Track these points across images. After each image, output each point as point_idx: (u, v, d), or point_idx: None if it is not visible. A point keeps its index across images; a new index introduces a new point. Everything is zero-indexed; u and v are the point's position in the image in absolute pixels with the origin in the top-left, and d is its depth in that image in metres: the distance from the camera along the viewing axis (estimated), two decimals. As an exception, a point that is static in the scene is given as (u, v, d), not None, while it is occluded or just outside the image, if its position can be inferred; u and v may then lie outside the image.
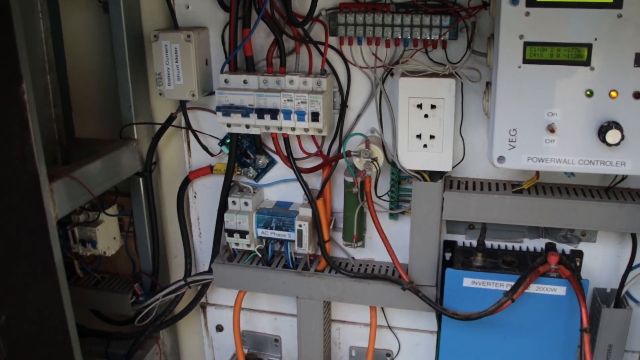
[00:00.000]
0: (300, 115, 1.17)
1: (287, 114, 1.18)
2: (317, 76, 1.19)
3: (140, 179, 1.37)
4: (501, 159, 1.06)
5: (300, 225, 1.27)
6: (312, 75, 1.19)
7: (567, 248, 1.28)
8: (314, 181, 1.33)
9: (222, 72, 1.23)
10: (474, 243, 1.31)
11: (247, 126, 1.23)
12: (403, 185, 1.27)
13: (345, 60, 1.22)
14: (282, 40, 1.20)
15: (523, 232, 1.29)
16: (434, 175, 1.22)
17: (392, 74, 1.22)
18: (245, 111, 1.20)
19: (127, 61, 1.29)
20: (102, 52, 1.37)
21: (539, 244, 1.30)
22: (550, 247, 1.26)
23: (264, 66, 1.26)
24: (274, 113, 1.19)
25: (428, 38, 1.15)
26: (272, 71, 1.23)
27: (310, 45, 1.21)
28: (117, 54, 1.28)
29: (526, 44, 1.00)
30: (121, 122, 1.33)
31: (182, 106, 1.30)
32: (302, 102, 1.17)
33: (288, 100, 1.18)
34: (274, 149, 1.30)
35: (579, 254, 1.28)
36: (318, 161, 1.30)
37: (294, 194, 1.36)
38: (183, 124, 1.35)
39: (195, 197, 1.43)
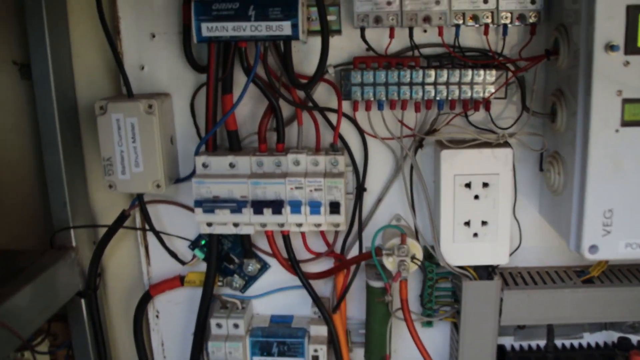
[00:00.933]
0: (314, 208, 0.85)
1: (296, 207, 0.86)
2: (330, 153, 0.88)
3: (83, 300, 0.98)
4: (593, 248, 0.80)
5: (316, 351, 0.93)
6: (323, 153, 0.89)
7: (634, 338, 1.03)
8: (320, 287, 1.00)
9: (197, 153, 0.90)
10: (525, 345, 1.03)
11: (236, 224, 0.89)
12: (438, 283, 0.98)
13: (361, 131, 0.93)
14: (279, 107, 0.89)
15: (584, 326, 1.02)
16: (481, 270, 0.93)
17: (421, 146, 0.93)
18: (236, 206, 0.86)
19: (59, 143, 0.92)
20: (21, 131, 0.99)
21: (601, 337, 1.03)
22: (624, 344, 1.00)
23: (251, 142, 0.94)
24: (277, 206, 0.86)
25: (469, 98, 0.88)
26: (266, 149, 0.91)
27: (315, 112, 0.91)
28: (45, 133, 0.92)
29: (625, 101, 0.75)
30: (52, 225, 0.95)
31: (140, 200, 0.94)
32: (316, 190, 0.86)
33: (297, 187, 0.86)
34: (267, 249, 0.97)
35: (648, 345, 1.04)
36: (328, 262, 0.98)
37: (292, 304, 1.02)
38: (138, 223, 0.99)
39: (157, 317, 1.05)
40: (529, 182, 0.94)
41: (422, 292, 0.97)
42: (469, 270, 0.92)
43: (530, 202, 0.95)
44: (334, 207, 0.85)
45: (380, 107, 0.89)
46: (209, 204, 0.86)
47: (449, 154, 0.87)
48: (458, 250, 0.90)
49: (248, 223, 0.88)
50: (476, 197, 0.88)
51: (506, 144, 0.88)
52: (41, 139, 0.93)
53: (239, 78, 0.90)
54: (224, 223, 0.89)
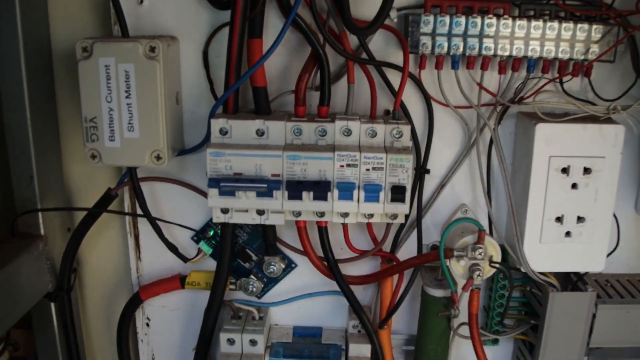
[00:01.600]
0: (372, 193, 0.62)
1: (347, 191, 0.62)
2: (390, 122, 0.66)
3: (53, 304, 0.74)
4: None
5: (358, 378, 0.71)
6: (380, 121, 0.66)
7: None
8: (358, 293, 0.76)
9: (213, 115, 0.66)
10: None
11: (261, 212, 0.66)
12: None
13: (427, 96, 0.70)
14: (327, 58, 0.65)
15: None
16: (561, 278, 0.72)
17: (499, 119, 0.71)
18: (267, 187, 0.63)
19: (25, 97, 0.67)
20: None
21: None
22: None
23: (281, 106, 0.71)
24: (322, 189, 0.62)
25: (567, 59, 0.66)
26: (304, 113, 0.67)
27: (371, 68, 0.68)
28: (7, 84, 0.67)
29: None
30: (14, 207, 0.70)
31: (132, 176, 0.70)
32: (374, 169, 0.63)
33: (349, 164, 0.63)
34: (294, 244, 0.74)
35: None
36: (370, 263, 0.75)
37: (320, 313, 0.78)
38: (127, 207, 0.75)
39: (148, 325, 0.80)
40: (627, 170, 0.73)
41: (489, 303, 0.76)
42: (550, 277, 0.71)
43: (626, 195, 0.74)
44: (398, 193, 0.62)
45: (454, 65, 0.67)
46: (229, 184, 0.62)
47: (545, 129, 0.65)
48: (544, 253, 0.69)
49: (279, 211, 0.65)
50: (574, 185, 0.67)
51: (610, 120, 0.66)
52: (1, 92, 0.68)
53: (268, 21, 0.66)
54: (244, 210, 0.65)
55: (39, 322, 0.76)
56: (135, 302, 0.76)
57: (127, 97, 0.63)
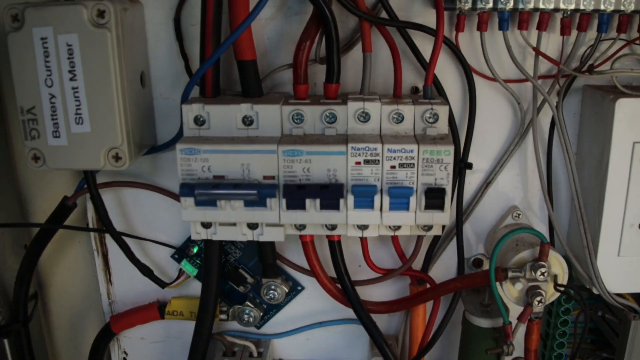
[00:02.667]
0: (399, 199, 0.45)
1: (366, 196, 0.45)
2: (420, 102, 0.48)
3: (6, 341, 0.58)
4: None
5: None
6: (408, 101, 0.48)
7: None
8: (382, 321, 0.59)
9: (185, 100, 0.49)
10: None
11: (254, 226, 0.49)
12: (571, 315, 0.58)
13: (467, 68, 0.52)
14: (334, 20, 0.47)
15: None
16: (636, 298, 0.54)
17: (563, 93, 0.53)
18: (257, 194, 0.45)
19: (-53, 85, 0.51)
20: None
21: None
22: None
23: (276, 86, 0.53)
24: (330, 194, 0.45)
25: (654, 11, 0.48)
26: (306, 94, 0.49)
27: (392, 31, 0.50)
28: None
29: None
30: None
31: (89, 183, 0.53)
32: (402, 166, 0.45)
33: (367, 161, 0.45)
34: (299, 262, 0.57)
35: None
36: (399, 286, 0.58)
37: (335, 346, 0.61)
38: (92, 218, 0.58)
39: (125, 360, 0.64)
40: None
41: (547, 331, 0.58)
42: (629, 299, 0.53)
43: None
44: (435, 197, 0.44)
45: (503, 25, 0.49)
46: (207, 191, 0.45)
47: (629, 106, 0.47)
48: (624, 269, 0.51)
49: (275, 224, 0.47)
50: (665, 180, 0.49)
51: None
52: None
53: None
54: (231, 223, 0.48)
55: (-11, 362, 0.60)
56: (106, 334, 0.60)
57: (72, 79, 0.46)
